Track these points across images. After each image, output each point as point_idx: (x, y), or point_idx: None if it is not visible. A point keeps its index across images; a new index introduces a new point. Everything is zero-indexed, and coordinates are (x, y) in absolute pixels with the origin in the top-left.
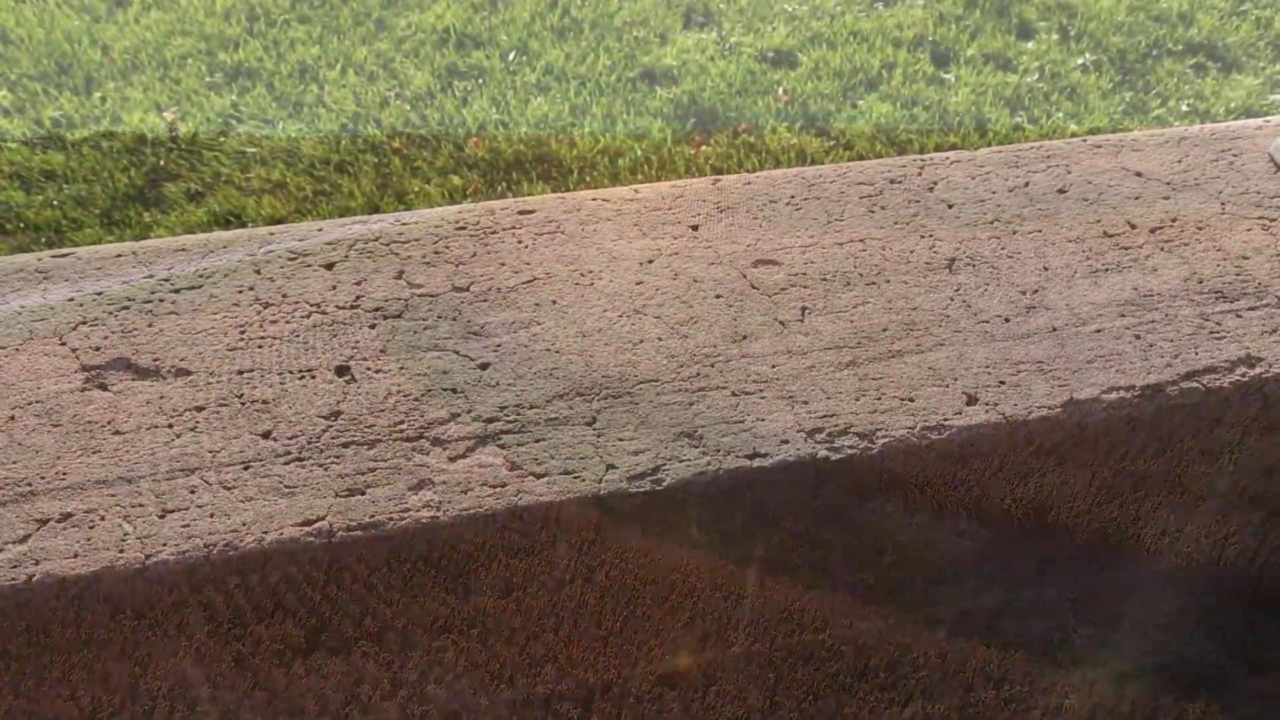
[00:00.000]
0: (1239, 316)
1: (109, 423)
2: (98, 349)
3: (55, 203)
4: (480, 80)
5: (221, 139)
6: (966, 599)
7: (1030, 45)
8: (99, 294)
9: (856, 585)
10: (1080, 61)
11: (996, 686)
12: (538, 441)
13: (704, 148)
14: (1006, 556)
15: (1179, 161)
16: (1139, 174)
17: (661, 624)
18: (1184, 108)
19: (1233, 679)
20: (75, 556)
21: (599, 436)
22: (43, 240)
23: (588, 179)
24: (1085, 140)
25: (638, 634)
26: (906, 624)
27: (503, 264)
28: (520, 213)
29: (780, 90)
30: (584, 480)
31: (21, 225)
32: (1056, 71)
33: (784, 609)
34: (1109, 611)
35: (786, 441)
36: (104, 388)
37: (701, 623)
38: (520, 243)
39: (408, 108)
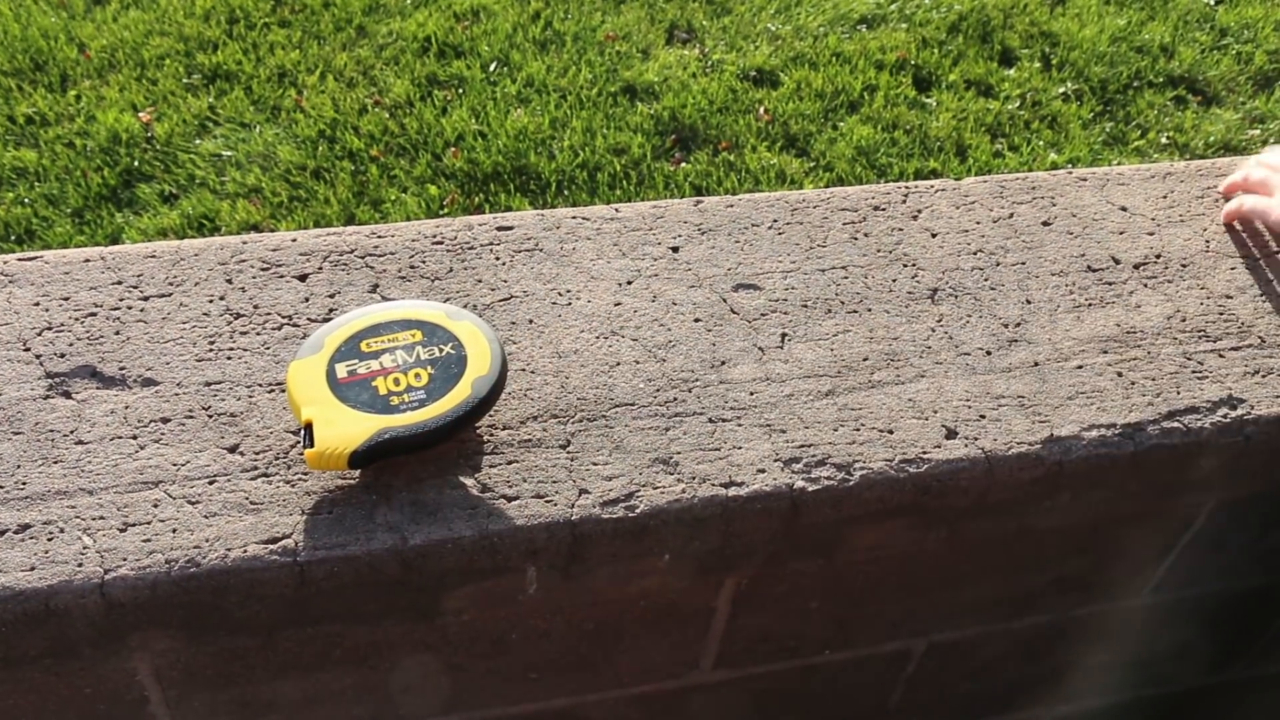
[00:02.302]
0: (1221, 356)
1: (72, 432)
2: (63, 356)
3: (26, 200)
4: (460, 90)
5: (197, 142)
6: (943, 631)
7: (1012, 72)
8: (65, 299)
9: (830, 616)
10: (1061, 90)
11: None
12: (510, 464)
13: (684, 165)
14: (980, 592)
15: (1164, 197)
16: (1124, 209)
17: (632, 650)
18: (1164, 140)
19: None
20: (32, 569)
21: (573, 460)
22: (12, 238)
23: (566, 193)
24: (1071, 172)
25: (608, 659)
26: (878, 654)
27: (479, 281)
28: (499, 229)
29: (761, 109)
30: (556, 504)
31: None
32: (1038, 100)
33: (758, 637)
34: (1086, 647)
35: (763, 470)
36: (68, 396)
37: (674, 650)
38: (498, 259)
39: (386, 116)
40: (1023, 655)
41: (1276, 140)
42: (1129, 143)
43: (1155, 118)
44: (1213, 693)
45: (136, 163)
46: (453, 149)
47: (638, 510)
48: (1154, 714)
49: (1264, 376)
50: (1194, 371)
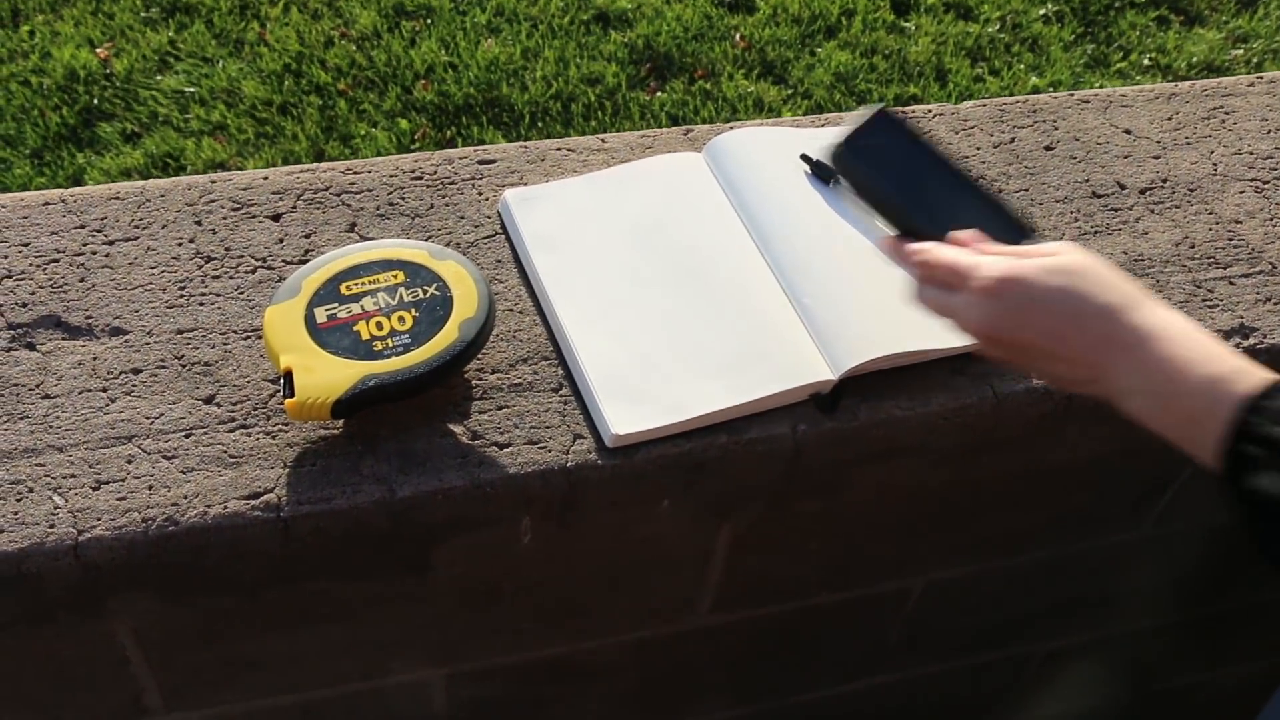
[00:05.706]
0: (1232, 284)
1: (38, 386)
2: (25, 305)
3: None
4: (429, 20)
5: (158, 78)
6: (942, 569)
7: None
8: (25, 245)
9: (830, 557)
10: (1042, 12)
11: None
12: (501, 409)
13: (659, 94)
14: (982, 529)
15: (1169, 119)
16: (1128, 131)
17: (628, 595)
18: (1146, 61)
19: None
20: (1, 532)
21: (566, 404)
22: None
23: (540, 124)
24: (1073, 95)
25: (603, 606)
26: (877, 594)
27: (462, 217)
28: (480, 163)
29: (737, 36)
30: (550, 451)
31: None
32: (1019, 22)
33: (757, 579)
34: (1084, 582)
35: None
36: (32, 348)
37: (670, 594)
38: (480, 195)
39: (353, 48)
40: (1021, 591)
41: (1259, 60)
42: (1111, 65)
43: (1137, 38)
44: (1207, 623)
45: (96, 100)
46: (423, 81)
47: (635, 456)
48: (1149, 649)
49: (1276, 304)
50: (1204, 300)
